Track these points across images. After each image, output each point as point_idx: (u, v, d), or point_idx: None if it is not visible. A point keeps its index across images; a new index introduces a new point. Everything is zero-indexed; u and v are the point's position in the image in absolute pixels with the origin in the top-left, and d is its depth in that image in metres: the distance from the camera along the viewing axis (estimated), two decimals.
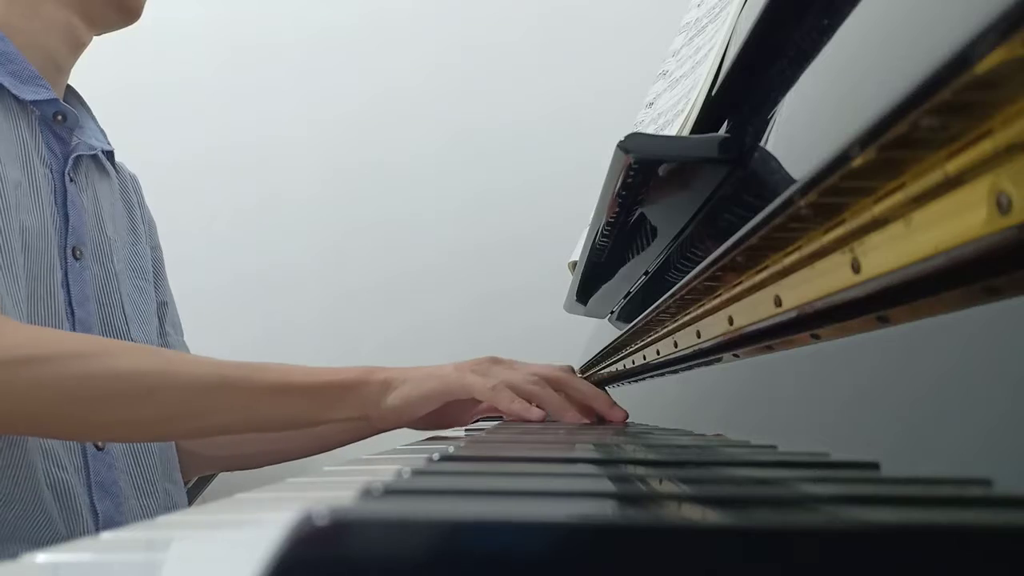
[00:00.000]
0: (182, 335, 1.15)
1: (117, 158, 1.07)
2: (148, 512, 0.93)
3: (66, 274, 0.91)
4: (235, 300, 1.79)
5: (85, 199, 0.97)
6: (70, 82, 1.01)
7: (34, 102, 0.91)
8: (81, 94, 1.04)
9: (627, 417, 0.80)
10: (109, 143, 1.04)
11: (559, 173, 1.75)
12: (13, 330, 0.75)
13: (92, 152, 0.99)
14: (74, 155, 0.96)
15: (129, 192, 1.09)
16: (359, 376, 0.80)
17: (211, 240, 1.80)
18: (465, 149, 1.82)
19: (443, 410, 0.82)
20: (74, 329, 0.90)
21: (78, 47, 0.98)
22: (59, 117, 0.94)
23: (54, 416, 0.77)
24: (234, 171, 1.85)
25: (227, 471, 1.24)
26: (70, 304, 0.91)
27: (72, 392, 0.75)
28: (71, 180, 0.95)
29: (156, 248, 1.14)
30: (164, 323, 1.11)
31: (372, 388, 0.80)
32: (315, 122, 1.85)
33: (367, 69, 1.85)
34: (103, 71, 1.54)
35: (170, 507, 0.97)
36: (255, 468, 1.09)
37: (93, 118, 1.04)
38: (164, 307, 1.12)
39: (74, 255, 0.93)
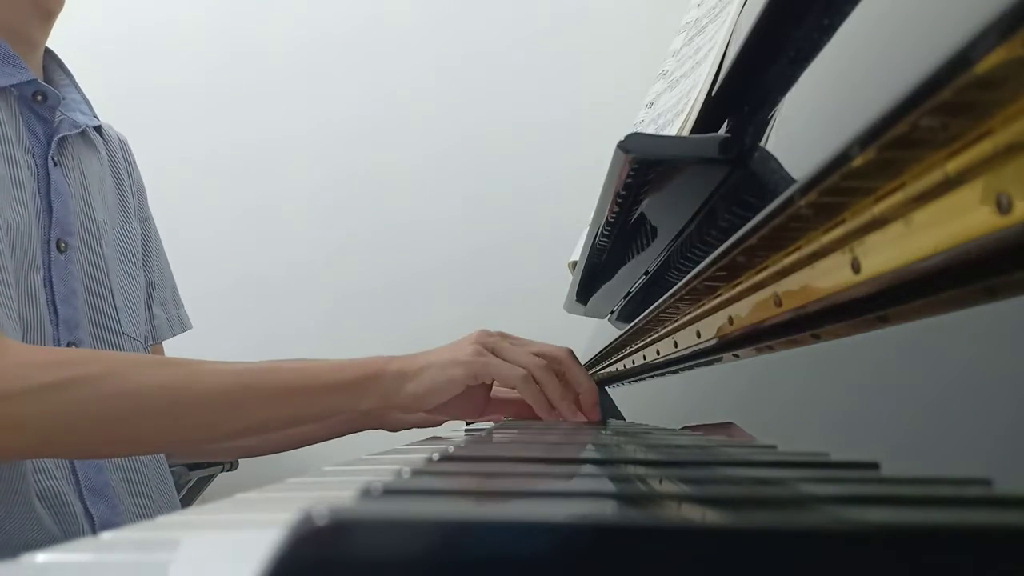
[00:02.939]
0: (180, 307, 1.10)
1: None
2: (144, 511, 0.92)
3: (49, 270, 0.87)
4: (235, 304, 1.79)
5: (71, 182, 0.92)
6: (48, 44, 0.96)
7: (12, 85, 0.87)
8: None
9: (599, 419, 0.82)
10: (96, 116, 0.99)
11: (559, 174, 1.75)
12: (20, 354, 0.72)
13: (78, 131, 0.94)
14: (58, 136, 0.90)
15: (118, 163, 1.03)
16: (378, 368, 0.79)
17: (212, 243, 1.80)
18: (465, 152, 1.82)
19: (460, 398, 0.80)
20: (57, 329, 0.87)
21: (49, 17, 0.93)
22: (39, 97, 0.89)
23: (68, 441, 0.75)
24: (235, 174, 1.85)
25: (223, 460, 1.25)
26: (53, 303, 0.87)
27: (91, 415, 0.72)
28: (55, 164, 0.90)
29: (146, 220, 1.07)
30: (152, 304, 1.06)
31: (388, 378, 0.79)
32: (316, 126, 1.85)
33: (368, 73, 1.85)
34: (105, 73, 1.54)
35: (165, 503, 0.96)
36: (252, 457, 1.09)
37: (76, 86, 0.98)
38: (152, 287, 1.06)
39: (58, 248, 0.89)
